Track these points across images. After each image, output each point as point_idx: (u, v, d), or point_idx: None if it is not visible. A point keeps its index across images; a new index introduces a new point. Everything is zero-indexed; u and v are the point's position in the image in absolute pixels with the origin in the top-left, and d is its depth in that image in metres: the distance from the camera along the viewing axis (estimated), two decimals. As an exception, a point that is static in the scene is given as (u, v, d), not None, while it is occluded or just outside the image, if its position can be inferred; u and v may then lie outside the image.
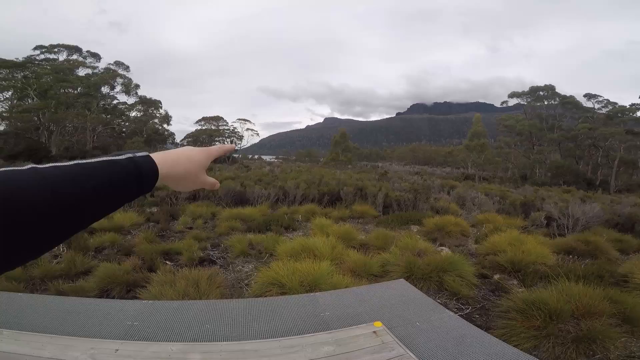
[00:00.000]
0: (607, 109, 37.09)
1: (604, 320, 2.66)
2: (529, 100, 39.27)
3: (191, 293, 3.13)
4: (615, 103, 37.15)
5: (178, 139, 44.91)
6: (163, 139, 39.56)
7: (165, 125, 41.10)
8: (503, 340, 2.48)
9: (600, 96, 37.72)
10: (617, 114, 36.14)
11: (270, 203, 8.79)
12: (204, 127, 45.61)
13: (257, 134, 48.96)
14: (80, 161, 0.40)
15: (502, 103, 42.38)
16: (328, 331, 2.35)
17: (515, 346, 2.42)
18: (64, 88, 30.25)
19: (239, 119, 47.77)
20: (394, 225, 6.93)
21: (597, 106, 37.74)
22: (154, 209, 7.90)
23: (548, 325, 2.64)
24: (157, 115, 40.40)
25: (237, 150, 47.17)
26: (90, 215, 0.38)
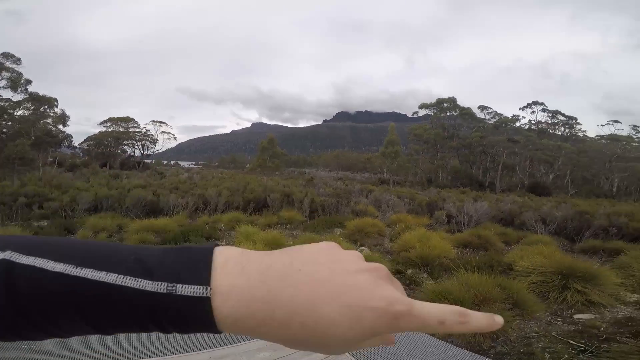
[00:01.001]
0: (495, 120, 44.52)
1: (499, 305, 3.07)
2: (434, 111, 44.74)
3: None
4: (501, 114, 44.83)
5: (77, 142, 38.79)
6: (56, 142, 33.78)
7: (60, 126, 35.15)
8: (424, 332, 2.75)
9: (490, 108, 45.07)
10: (502, 124, 43.68)
11: (188, 212, 8.21)
12: (109, 129, 40.35)
13: (175, 138, 45.29)
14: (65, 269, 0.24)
15: (413, 113, 47.52)
16: (245, 342, 2.29)
17: (431, 335, 2.70)
18: None
19: (153, 121, 43.51)
20: (319, 229, 7.13)
21: (487, 117, 44.99)
22: (44, 223, 6.69)
23: None
24: (51, 114, 34.35)
25: (150, 155, 42.95)
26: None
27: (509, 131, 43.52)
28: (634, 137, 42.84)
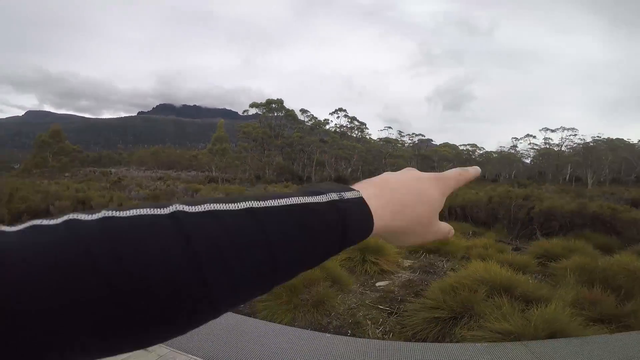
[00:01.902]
0: (312, 122, 51.08)
1: (322, 284, 3.40)
2: (264, 110, 46.87)
3: None
4: (317, 117, 51.85)
5: None
6: None
7: None
8: (268, 320, 2.77)
9: (309, 111, 51.35)
10: (316, 126, 50.65)
11: None
12: None
13: None
14: (251, 204, 0.25)
15: (244, 112, 48.10)
16: None
17: (279, 323, 2.76)
18: None
19: None
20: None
21: (306, 119, 51.03)
22: None
23: (292, 299, 3.13)
24: None
25: None
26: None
27: (321, 132, 51.27)
28: (399, 140, 59.74)
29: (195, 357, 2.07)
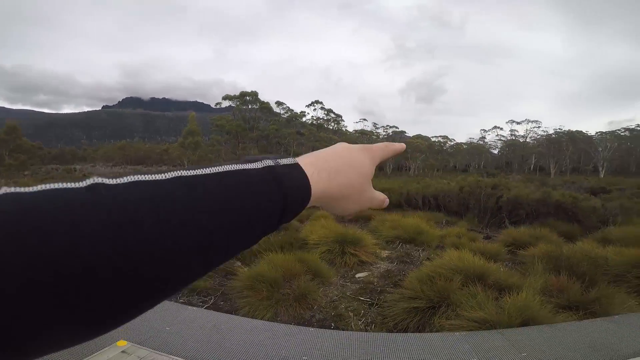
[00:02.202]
0: (288, 114, 50.52)
1: (303, 277, 3.37)
2: (237, 103, 45.73)
3: None
4: (293, 110, 51.35)
5: None
6: None
7: None
8: (250, 317, 2.73)
9: (285, 103, 50.79)
10: (293, 119, 50.15)
11: None
12: None
13: None
14: (181, 173, 0.24)
15: (217, 104, 46.70)
16: None
17: (260, 319, 2.72)
18: None
19: None
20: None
21: (282, 112, 50.41)
22: None
23: (274, 294, 3.09)
24: None
25: None
26: (194, 271, 0.23)
27: (298, 125, 50.89)
28: (374, 132, 60.56)
29: (177, 358, 2.04)
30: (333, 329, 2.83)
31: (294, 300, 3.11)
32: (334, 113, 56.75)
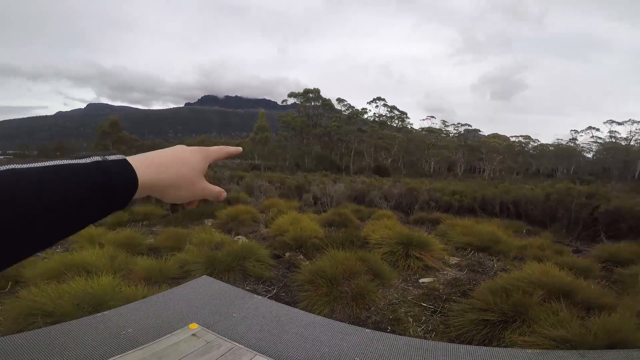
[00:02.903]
0: (349, 111, 50.48)
1: (363, 277, 3.34)
2: (301, 100, 47.20)
3: None
4: (354, 107, 51.15)
5: None
6: None
7: None
8: (309, 311, 2.77)
9: (346, 100, 50.79)
10: (354, 116, 49.95)
11: None
12: None
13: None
14: (15, 166, 0.28)
15: (283, 101, 48.81)
16: (140, 347, 1.96)
17: (318, 314, 2.75)
18: None
19: None
20: (185, 223, 6.47)
21: (343, 109, 50.54)
22: None
23: (332, 290, 3.11)
24: None
25: None
26: (25, 246, 0.28)
27: (359, 122, 50.43)
28: (443, 130, 56.94)
29: (238, 345, 2.09)
30: (389, 332, 2.75)
31: (351, 299, 3.09)
32: (397, 110, 54.85)
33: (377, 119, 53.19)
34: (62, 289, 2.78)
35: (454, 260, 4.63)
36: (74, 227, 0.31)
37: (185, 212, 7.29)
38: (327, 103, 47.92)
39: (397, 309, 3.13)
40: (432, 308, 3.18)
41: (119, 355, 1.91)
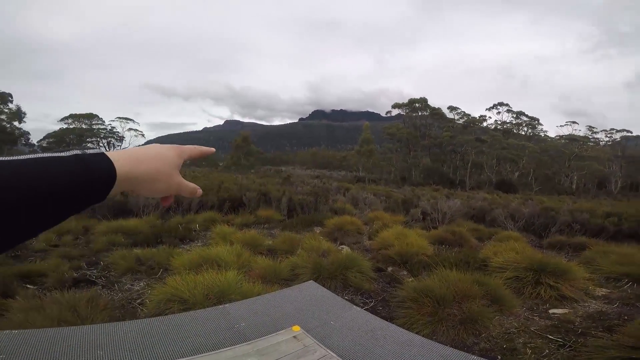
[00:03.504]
0: (464, 120, 46.21)
1: (478, 302, 3.07)
2: (407, 110, 45.79)
3: (69, 318, 2.60)
4: (470, 114, 46.59)
5: (35, 139, 36.18)
6: (12, 139, 31.47)
7: (15, 123, 32.75)
8: (406, 329, 2.69)
9: (459, 108, 46.73)
10: (470, 124, 45.40)
11: (159, 213, 7.84)
12: (71, 126, 37.88)
13: (143, 135, 43.33)
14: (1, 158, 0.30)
15: (387, 113, 48.33)
16: (247, 342, 2.21)
17: (416, 333, 2.66)
18: None
19: (119, 118, 41.37)
20: (299, 228, 7.05)
21: (456, 117, 46.62)
22: None
23: (438, 311, 2.94)
24: (5, 111, 31.96)
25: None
26: (12, 235, 0.30)
27: (477, 131, 45.38)
28: (590, 137, 46.10)
29: (331, 353, 2.11)
30: (499, 361, 2.40)
31: (459, 322, 2.85)
32: (526, 116, 47.16)
33: (499, 127, 46.98)
34: (197, 279, 3.23)
35: (601, 291, 3.82)
36: (55, 218, 0.32)
37: (298, 218, 7.95)
38: (436, 112, 45.05)
39: (513, 339, 2.76)
40: (560, 341, 2.71)
41: (228, 347, 2.14)
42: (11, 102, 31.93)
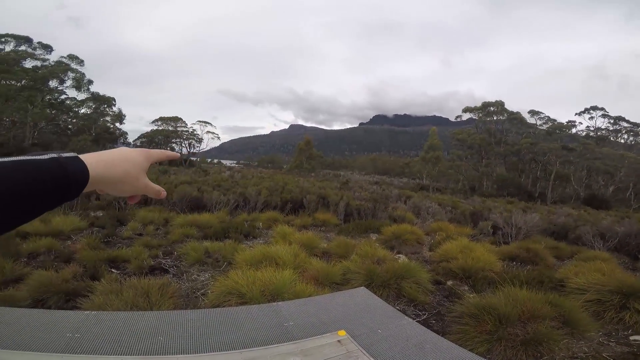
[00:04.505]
0: (547, 125, 41.05)
1: (547, 323, 2.84)
2: (480, 115, 42.26)
3: (141, 303, 2.93)
4: (555, 120, 41.29)
5: (131, 139, 42.11)
6: (114, 138, 37.00)
7: (117, 124, 38.58)
8: (459, 345, 2.56)
9: (542, 113, 41.67)
10: (556, 130, 40.11)
11: (229, 209, 8.52)
12: (160, 128, 43.25)
13: (218, 138, 47.43)
14: None
15: (457, 117, 45.23)
16: (293, 341, 2.30)
17: (470, 350, 2.52)
18: (5, 80, 27.07)
19: (199, 121, 45.87)
20: (354, 234, 7.05)
21: (539, 122, 41.65)
22: (100, 213, 7.30)
23: (498, 329, 2.76)
24: (110, 113, 37.86)
25: (196, 153, 45.35)
26: None
27: (563, 138, 39.88)
28: None
29: None
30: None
31: (520, 343, 2.63)
32: (626, 121, 40.07)
33: (592, 134, 40.73)
34: (256, 275, 3.41)
35: None
36: (33, 214, 0.36)
37: (355, 223, 7.93)
38: (515, 117, 40.76)
39: (578, 363, 2.45)
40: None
41: (274, 345, 2.22)
42: (114, 105, 37.66)
